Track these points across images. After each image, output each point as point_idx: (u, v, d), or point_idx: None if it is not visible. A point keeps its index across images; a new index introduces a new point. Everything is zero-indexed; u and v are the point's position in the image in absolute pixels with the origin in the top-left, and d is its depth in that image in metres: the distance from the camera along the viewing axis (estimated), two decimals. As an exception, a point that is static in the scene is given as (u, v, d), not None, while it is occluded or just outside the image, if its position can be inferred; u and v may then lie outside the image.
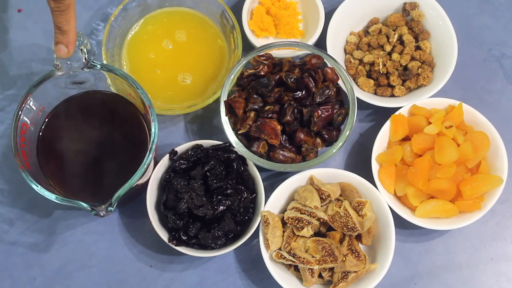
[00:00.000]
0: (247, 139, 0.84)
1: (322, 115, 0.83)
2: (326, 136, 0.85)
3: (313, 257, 0.80)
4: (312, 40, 0.93)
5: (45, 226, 0.89)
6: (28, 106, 0.76)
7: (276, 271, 0.82)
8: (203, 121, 0.94)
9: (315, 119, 0.82)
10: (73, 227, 0.89)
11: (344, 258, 0.81)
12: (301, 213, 0.82)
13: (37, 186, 0.73)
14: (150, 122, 0.76)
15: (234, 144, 0.83)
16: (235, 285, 0.87)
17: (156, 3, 0.94)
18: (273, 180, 0.91)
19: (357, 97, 0.85)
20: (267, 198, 0.84)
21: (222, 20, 0.93)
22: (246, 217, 0.83)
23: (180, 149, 0.85)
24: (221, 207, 0.81)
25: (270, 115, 0.84)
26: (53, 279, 0.87)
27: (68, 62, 0.75)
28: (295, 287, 0.82)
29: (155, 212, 0.84)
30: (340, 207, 0.82)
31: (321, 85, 0.85)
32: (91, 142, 0.81)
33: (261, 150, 0.83)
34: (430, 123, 0.86)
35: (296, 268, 0.83)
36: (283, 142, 0.84)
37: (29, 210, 0.89)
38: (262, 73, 0.85)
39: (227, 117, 0.85)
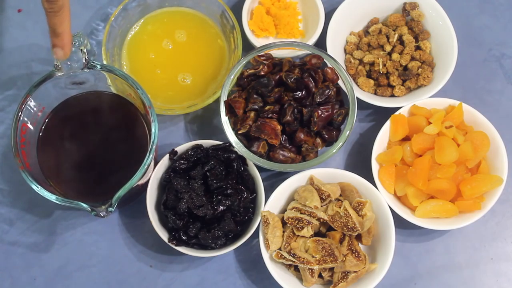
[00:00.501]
0: (247, 139, 0.84)
1: (322, 115, 0.83)
2: (326, 136, 0.85)
3: (313, 257, 0.80)
4: (312, 40, 0.93)
5: (45, 226, 0.88)
6: (28, 107, 0.76)
7: (276, 271, 0.82)
8: (203, 121, 0.94)
9: (315, 119, 0.82)
10: (73, 227, 0.89)
11: (344, 258, 0.81)
12: (301, 213, 0.82)
13: (37, 187, 0.73)
14: (150, 122, 0.76)
15: (234, 144, 0.83)
16: (235, 285, 0.87)
17: (156, 3, 0.94)
18: (273, 180, 0.91)
19: (357, 97, 0.85)
20: (267, 198, 0.84)
21: (222, 20, 0.93)
22: (246, 217, 0.83)
23: (180, 149, 0.85)
24: (221, 207, 0.81)
25: (270, 115, 0.84)
26: (53, 279, 0.87)
27: (68, 63, 0.75)
28: (295, 287, 0.82)
29: (155, 212, 0.84)
30: (340, 207, 0.82)
31: (321, 85, 0.85)
32: (91, 143, 0.81)
33: (261, 150, 0.83)
34: (430, 123, 0.86)
35: (296, 268, 0.83)
36: (283, 142, 0.84)
37: (29, 210, 0.89)
38: (262, 73, 0.85)
39: (227, 117, 0.85)
